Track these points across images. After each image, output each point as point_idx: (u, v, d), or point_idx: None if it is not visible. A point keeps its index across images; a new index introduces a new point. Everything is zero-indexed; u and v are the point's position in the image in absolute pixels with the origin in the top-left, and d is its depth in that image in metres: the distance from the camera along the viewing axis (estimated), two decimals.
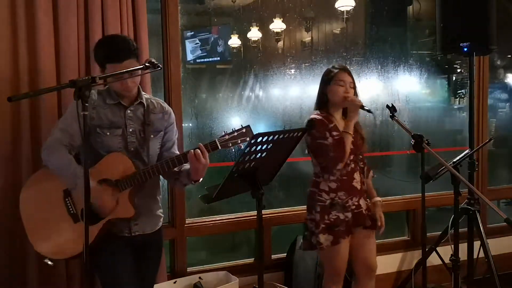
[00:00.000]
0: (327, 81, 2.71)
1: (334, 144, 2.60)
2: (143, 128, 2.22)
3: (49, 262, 2.17)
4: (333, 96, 2.68)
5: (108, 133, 2.14)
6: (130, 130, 2.19)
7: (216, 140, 2.12)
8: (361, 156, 2.78)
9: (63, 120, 2.18)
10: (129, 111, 2.20)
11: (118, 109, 2.19)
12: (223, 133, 2.15)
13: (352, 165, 2.68)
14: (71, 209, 2.14)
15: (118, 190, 2.10)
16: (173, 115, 2.37)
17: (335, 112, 2.73)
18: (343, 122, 2.71)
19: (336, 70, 2.69)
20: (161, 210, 2.36)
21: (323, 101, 2.73)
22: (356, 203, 2.68)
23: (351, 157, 2.67)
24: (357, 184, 2.70)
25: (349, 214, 2.66)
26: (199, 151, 2.07)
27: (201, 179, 2.19)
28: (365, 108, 2.58)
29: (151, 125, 2.24)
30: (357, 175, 2.71)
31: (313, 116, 2.69)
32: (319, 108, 2.75)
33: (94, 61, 2.21)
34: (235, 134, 2.12)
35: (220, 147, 2.12)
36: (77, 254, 2.09)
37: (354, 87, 2.71)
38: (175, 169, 2.19)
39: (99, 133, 2.13)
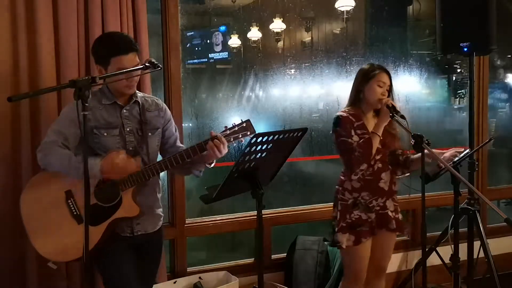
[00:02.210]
0: (366, 79, 2.64)
1: (360, 144, 2.55)
2: (141, 127, 2.21)
3: (53, 266, 2.15)
4: (370, 95, 2.63)
5: (105, 134, 2.13)
6: (128, 129, 2.18)
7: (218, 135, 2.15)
8: (400, 151, 2.72)
9: (57, 123, 2.15)
10: (125, 111, 2.19)
11: (114, 109, 2.18)
12: (224, 128, 2.18)
13: (380, 165, 2.63)
14: (74, 210, 2.12)
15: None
16: (168, 111, 2.37)
17: (367, 110, 2.68)
18: (373, 121, 2.67)
19: (378, 70, 2.63)
20: (161, 209, 2.36)
21: (357, 98, 2.68)
22: (381, 204, 2.65)
23: (378, 157, 2.62)
24: (384, 184, 2.65)
25: (373, 215, 2.63)
26: (218, 142, 2.09)
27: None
28: (399, 113, 2.51)
29: (148, 123, 2.24)
30: (385, 175, 2.65)
31: (339, 113, 2.66)
32: (351, 105, 2.70)
33: (94, 61, 2.19)
34: (236, 128, 2.16)
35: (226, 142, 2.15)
36: (82, 256, 2.07)
37: (390, 91, 2.67)
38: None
39: (96, 134, 2.12)
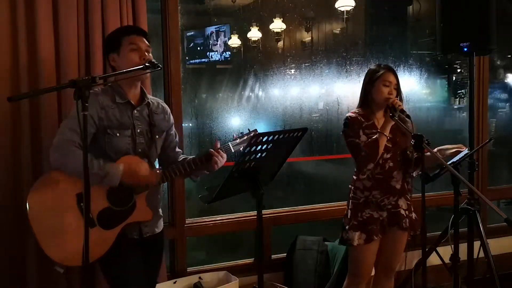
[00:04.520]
0: (372, 80, 2.68)
1: (367, 144, 2.58)
2: (150, 129, 2.21)
3: (60, 270, 2.10)
4: (377, 96, 2.65)
5: (118, 134, 2.11)
6: (138, 130, 2.17)
7: (230, 143, 2.23)
8: (408, 152, 2.71)
9: (71, 120, 2.08)
10: (136, 111, 2.18)
11: (125, 109, 2.16)
12: (233, 136, 2.25)
13: (391, 164, 2.64)
14: None
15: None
16: (171, 115, 2.39)
17: (377, 111, 2.70)
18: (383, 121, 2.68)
19: (383, 70, 2.67)
20: (161, 209, 2.37)
21: (366, 99, 2.71)
22: (393, 203, 2.66)
23: (388, 156, 2.63)
24: (396, 183, 2.65)
25: (384, 213, 2.65)
26: (216, 155, 2.19)
27: None
28: (404, 112, 2.53)
29: (156, 126, 2.24)
30: (397, 174, 2.66)
31: (348, 114, 2.70)
32: (361, 106, 2.73)
33: (107, 53, 2.20)
34: (245, 138, 2.24)
35: (233, 151, 2.24)
36: (95, 260, 2.04)
37: (398, 89, 2.68)
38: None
39: (109, 133, 2.09)
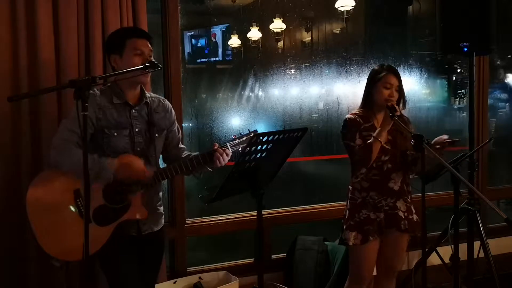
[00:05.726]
0: (374, 81, 2.66)
1: (360, 149, 2.57)
2: (148, 128, 2.21)
3: (57, 264, 2.13)
4: (378, 97, 2.63)
5: (115, 134, 2.12)
6: (136, 130, 2.17)
7: (228, 144, 2.21)
8: (409, 152, 2.69)
9: (70, 120, 2.10)
10: (134, 111, 2.18)
11: (123, 109, 2.16)
12: (232, 137, 2.23)
13: (389, 165, 2.63)
14: (83, 210, 2.10)
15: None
16: (173, 112, 2.38)
17: (378, 112, 2.68)
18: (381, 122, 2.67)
19: (385, 72, 2.63)
20: (162, 207, 2.37)
21: (367, 100, 2.70)
22: (390, 204, 2.64)
23: (386, 158, 2.62)
24: (394, 184, 2.64)
25: (381, 215, 2.64)
26: (221, 153, 2.17)
27: None
28: (402, 118, 2.51)
29: (156, 125, 2.24)
30: (395, 176, 2.64)
31: (347, 115, 2.69)
32: (363, 107, 2.72)
33: (109, 53, 2.20)
34: (244, 138, 2.21)
35: (231, 151, 2.21)
36: (91, 255, 2.06)
37: (400, 91, 2.66)
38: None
39: (107, 133, 2.11)
